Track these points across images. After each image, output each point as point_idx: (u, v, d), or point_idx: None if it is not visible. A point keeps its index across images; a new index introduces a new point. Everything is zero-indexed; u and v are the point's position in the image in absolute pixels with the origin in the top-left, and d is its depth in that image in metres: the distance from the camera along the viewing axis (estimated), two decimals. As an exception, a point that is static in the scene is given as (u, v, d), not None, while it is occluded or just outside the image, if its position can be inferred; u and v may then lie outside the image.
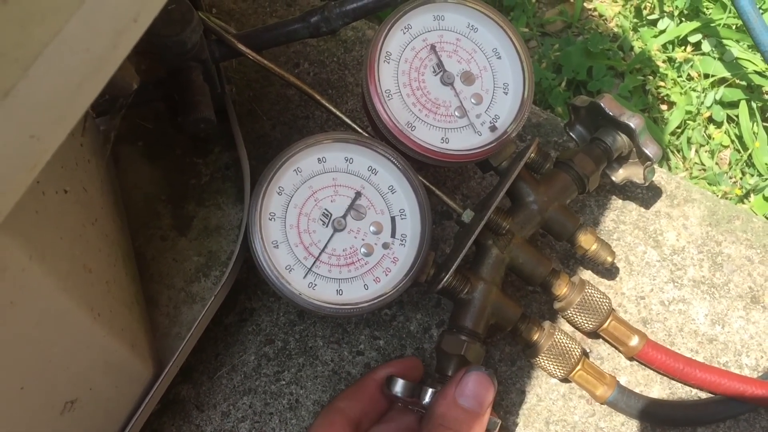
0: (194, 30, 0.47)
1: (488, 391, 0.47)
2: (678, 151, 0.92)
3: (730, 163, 0.90)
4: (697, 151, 0.92)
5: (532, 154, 0.54)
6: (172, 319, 0.50)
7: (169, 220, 0.54)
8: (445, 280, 0.50)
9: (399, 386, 0.50)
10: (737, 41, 0.92)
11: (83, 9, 0.26)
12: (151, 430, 0.57)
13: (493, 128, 0.54)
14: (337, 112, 0.55)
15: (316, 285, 0.51)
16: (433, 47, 0.55)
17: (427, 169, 0.56)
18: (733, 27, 0.94)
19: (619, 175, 0.59)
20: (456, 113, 0.54)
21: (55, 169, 0.38)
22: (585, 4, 1.03)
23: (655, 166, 0.57)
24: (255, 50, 0.53)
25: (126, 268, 0.47)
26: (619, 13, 1.02)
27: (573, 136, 0.61)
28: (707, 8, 0.97)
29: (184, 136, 0.57)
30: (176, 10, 0.46)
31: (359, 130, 0.55)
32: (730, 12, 0.93)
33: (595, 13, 1.04)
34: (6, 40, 0.24)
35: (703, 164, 0.91)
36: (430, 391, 0.49)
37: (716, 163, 0.91)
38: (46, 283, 0.32)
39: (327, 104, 0.55)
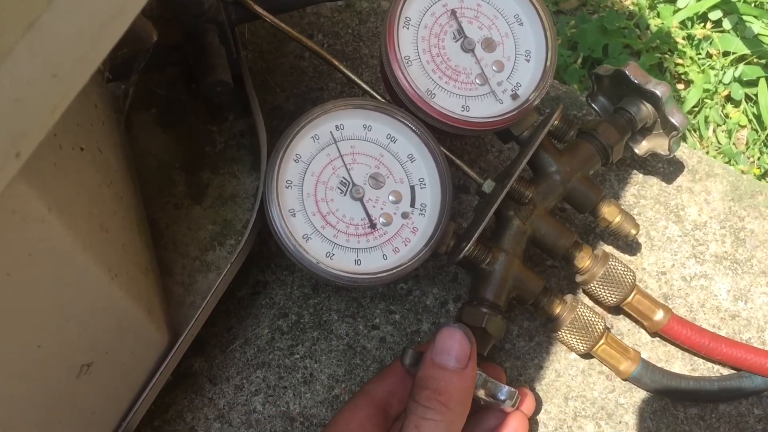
0: (212, -11, 0.46)
1: (462, 343, 0.46)
2: (695, 131, 0.91)
3: (747, 143, 0.89)
4: (714, 131, 0.90)
5: (556, 122, 0.53)
6: (187, 287, 0.49)
7: (183, 188, 0.53)
8: (466, 249, 0.49)
9: (407, 357, 0.49)
10: (757, 18, 0.91)
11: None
12: (163, 403, 0.56)
13: (514, 96, 0.53)
14: (356, 78, 0.54)
15: (333, 254, 0.49)
16: (453, 13, 0.53)
17: (445, 141, 0.55)
18: (753, 4, 0.92)
19: (643, 147, 0.58)
20: (477, 81, 0.53)
21: (71, 125, 0.37)
22: (600, -18, 1.02)
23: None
24: (272, 13, 0.52)
25: (140, 234, 0.46)
26: (635, -9, 1.00)
27: (595, 107, 0.60)
28: (726, -15, 0.95)
29: (198, 103, 0.55)
30: (194, -33, 0.45)
31: (378, 97, 0.54)
32: (749, -11, 0.92)
33: (610, -8, 1.03)
34: (29, -32, 0.22)
35: (720, 143, 0.89)
36: None
37: (733, 143, 0.89)
38: (64, 238, 0.31)
39: (344, 69, 0.54)
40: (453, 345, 0.46)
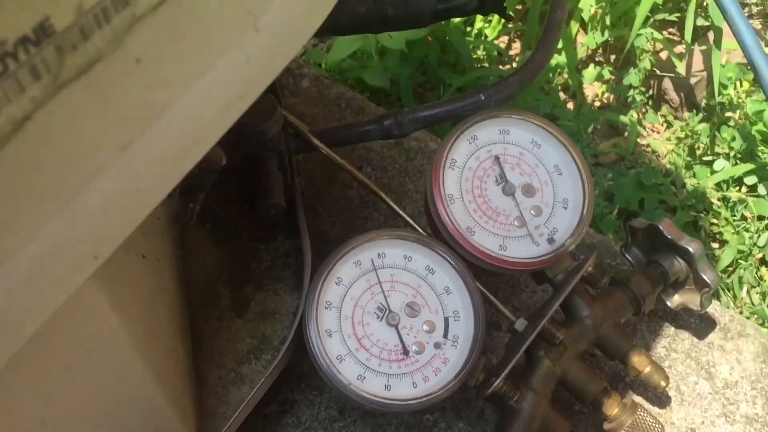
0: (276, 121, 0.50)
1: None
2: (729, 290, 0.91)
3: (782, 306, 0.89)
4: (748, 292, 0.91)
5: (590, 268, 0.55)
6: (220, 398, 0.51)
7: (227, 301, 0.55)
8: (495, 384, 0.50)
9: None
10: (791, 186, 0.93)
11: (202, 81, 0.29)
12: None
13: (551, 240, 0.55)
14: (400, 211, 0.57)
15: (365, 377, 0.51)
16: (497, 158, 0.57)
17: (480, 278, 0.57)
18: (788, 172, 0.95)
19: (675, 300, 0.59)
20: (515, 222, 0.55)
21: (137, 233, 0.40)
22: (638, 140, 1.06)
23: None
24: (328, 146, 0.56)
25: (183, 342, 0.48)
26: (673, 150, 1.04)
27: (629, 257, 0.61)
28: (762, 152, 0.99)
29: (249, 222, 0.59)
30: (262, 101, 0.49)
31: (419, 229, 0.56)
32: (784, 157, 0.95)
33: (648, 149, 1.07)
34: (133, 97, 0.26)
35: (753, 304, 0.90)
36: None
37: (767, 306, 0.89)
38: (121, 337, 0.33)
39: (389, 201, 0.57)
40: None
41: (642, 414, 0.53)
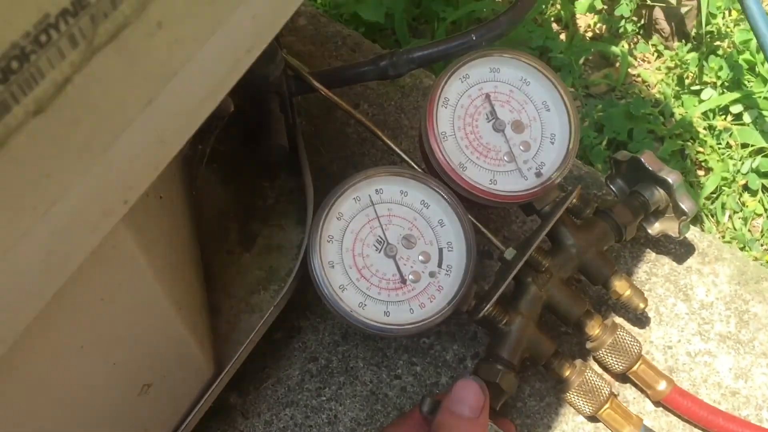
0: (277, 65, 0.53)
1: (476, 395, 0.50)
2: (712, 216, 0.95)
3: (762, 231, 0.93)
4: (730, 217, 0.95)
5: (574, 200, 0.59)
6: (233, 326, 0.55)
7: (235, 236, 0.59)
8: (486, 309, 0.54)
9: (425, 405, 0.53)
10: (776, 114, 0.96)
11: (214, 38, 0.31)
12: None
13: (538, 174, 0.58)
14: (396, 148, 0.60)
15: (366, 305, 0.55)
16: (487, 96, 0.60)
17: (472, 211, 0.60)
18: (772, 101, 0.98)
19: (655, 228, 0.63)
20: (505, 158, 0.58)
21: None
22: (629, 70, 1.08)
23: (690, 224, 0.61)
24: (327, 88, 0.59)
25: (197, 275, 0.52)
26: (662, 80, 1.06)
27: (613, 188, 0.65)
28: (748, 81, 1.01)
29: (253, 161, 0.62)
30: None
31: (414, 166, 0.60)
32: (769, 86, 0.97)
33: (639, 79, 1.09)
34: (155, 57, 0.29)
35: (735, 229, 0.94)
36: None
37: (748, 230, 0.93)
38: (147, 273, 0.36)
39: (387, 140, 0.60)
40: (468, 395, 0.50)
41: (621, 333, 0.58)
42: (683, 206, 0.59)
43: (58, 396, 0.35)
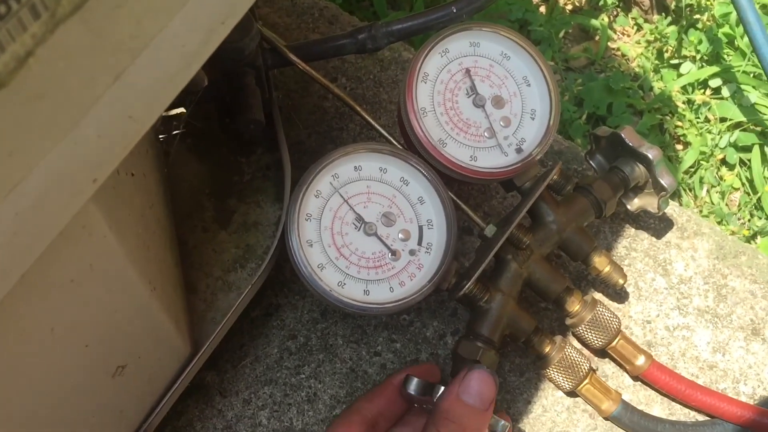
0: (252, 38, 0.51)
1: (490, 388, 0.50)
2: (690, 190, 0.96)
3: (739, 205, 0.94)
4: (708, 191, 0.95)
5: (555, 176, 0.58)
6: (209, 304, 0.54)
7: (211, 213, 0.57)
8: (466, 287, 0.54)
9: (414, 385, 0.53)
10: (755, 88, 0.96)
11: (185, 9, 0.30)
12: (176, 411, 0.60)
13: (519, 150, 0.58)
14: (375, 124, 0.59)
15: (345, 284, 0.54)
16: (467, 71, 0.59)
17: (453, 186, 0.60)
18: (752, 74, 0.98)
19: (635, 203, 0.63)
20: (485, 134, 0.58)
21: (125, 153, 0.42)
22: (609, 44, 1.08)
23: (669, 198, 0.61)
24: (304, 61, 0.57)
25: (172, 253, 0.51)
26: (642, 54, 1.06)
27: (593, 164, 0.65)
28: (728, 55, 1.01)
29: (229, 137, 0.61)
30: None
31: (394, 142, 0.59)
32: (749, 60, 0.97)
33: (618, 53, 1.08)
34: (123, 30, 0.28)
35: (713, 204, 0.94)
36: (442, 389, 0.52)
37: (726, 204, 0.94)
38: (118, 253, 0.35)
39: (366, 115, 0.59)
40: (483, 387, 0.50)
41: (601, 309, 0.58)
42: (663, 182, 0.59)
43: (29, 378, 0.34)
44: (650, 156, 0.58)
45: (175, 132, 0.49)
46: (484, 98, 0.58)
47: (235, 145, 0.61)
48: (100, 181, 0.30)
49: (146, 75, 0.30)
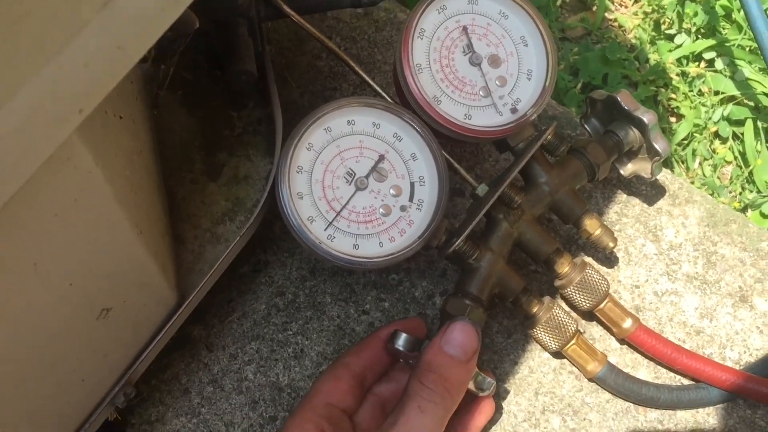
0: (246, -14, 0.50)
1: (472, 339, 0.50)
2: (682, 162, 0.95)
3: (731, 178, 0.94)
4: (700, 164, 0.95)
5: (549, 137, 0.58)
6: (197, 256, 0.53)
7: (200, 166, 0.57)
8: (456, 244, 0.54)
9: (401, 340, 0.53)
10: (749, 62, 0.96)
11: (176, -63, 0.29)
12: (162, 364, 0.60)
13: (513, 110, 0.57)
14: (368, 79, 0.58)
15: (334, 237, 0.54)
16: (464, 29, 0.58)
17: (446, 147, 0.59)
18: (747, 48, 0.97)
19: (628, 168, 0.63)
20: (480, 92, 0.57)
21: (113, 95, 0.41)
22: (606, 14, 1.07)
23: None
24: (298, 14, 0.56)
25: (160, 201, 0.50)
26: (639, 25, 1.05)
27: (587, 128, 0.64)
28: (724, 28, 1.00)
29: (220, 89, 0.60)
30: (232, -35, 0.49)
31: (388, 99, 0.58)
32: (745, 34, 0.97)
33: (615, 24, 1.08)
34: (112, -46, 0.27)
35: (705, 176, 0.94)
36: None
37: (718, 177, 0.94)
38: (105, 190, 0.35)
39: (359, 71, 0.58)
40: (463, 338, 0.50)
41: (590, 272, 0.58)
42: (657, 146, 0.58)
43: (11, 315, 0.34)
44: (645, 120, 0.58)
45: (164, 77, 0.48)
46: (481, 57, 0.57)
47: (226, 98, 0.60)
48: (86, 112, 0.30)
49: (135, 4, 0.29)
